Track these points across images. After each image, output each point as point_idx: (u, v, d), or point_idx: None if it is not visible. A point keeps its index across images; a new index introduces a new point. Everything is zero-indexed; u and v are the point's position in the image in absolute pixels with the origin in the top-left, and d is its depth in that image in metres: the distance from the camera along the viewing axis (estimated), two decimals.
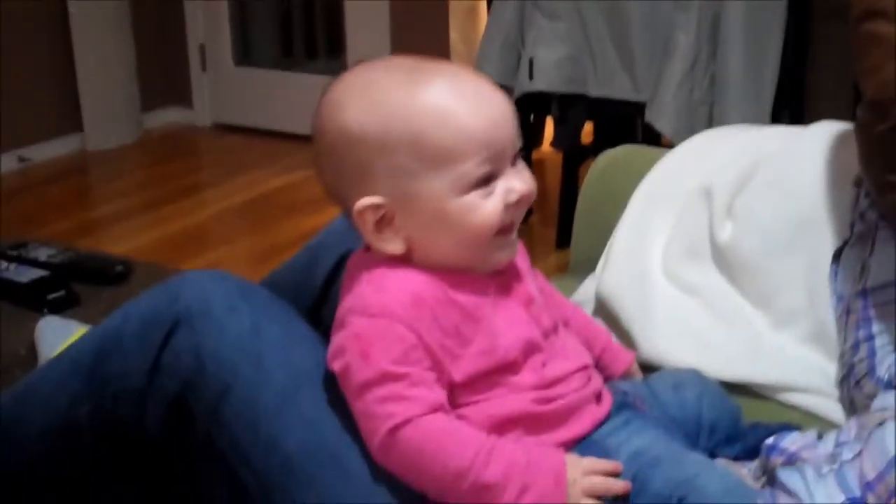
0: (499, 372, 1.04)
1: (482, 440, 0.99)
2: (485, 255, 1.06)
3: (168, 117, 5.06)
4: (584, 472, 0.99)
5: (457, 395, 1.03)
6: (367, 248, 1.09)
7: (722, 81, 2.99)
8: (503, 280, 1.09)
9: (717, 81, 3.00)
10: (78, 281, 1.90)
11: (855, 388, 1.25)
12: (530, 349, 1.06)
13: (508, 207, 1.04)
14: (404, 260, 1.05)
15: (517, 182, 1.04)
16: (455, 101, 1.02)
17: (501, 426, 1.03)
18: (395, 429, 0.98)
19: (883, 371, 1.20)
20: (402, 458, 0.99)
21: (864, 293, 1.25)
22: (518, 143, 1.06)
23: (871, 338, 1.23)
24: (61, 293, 1.83)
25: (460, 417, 1.02)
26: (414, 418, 0.98)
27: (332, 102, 1.06)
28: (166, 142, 4.85)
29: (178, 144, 4.83)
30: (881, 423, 1.03)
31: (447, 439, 0.98)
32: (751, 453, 1.15)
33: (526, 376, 1.05)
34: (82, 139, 4.60)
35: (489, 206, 1.02)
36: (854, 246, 1.30)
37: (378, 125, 1.02)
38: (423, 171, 1.02)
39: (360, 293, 1.04)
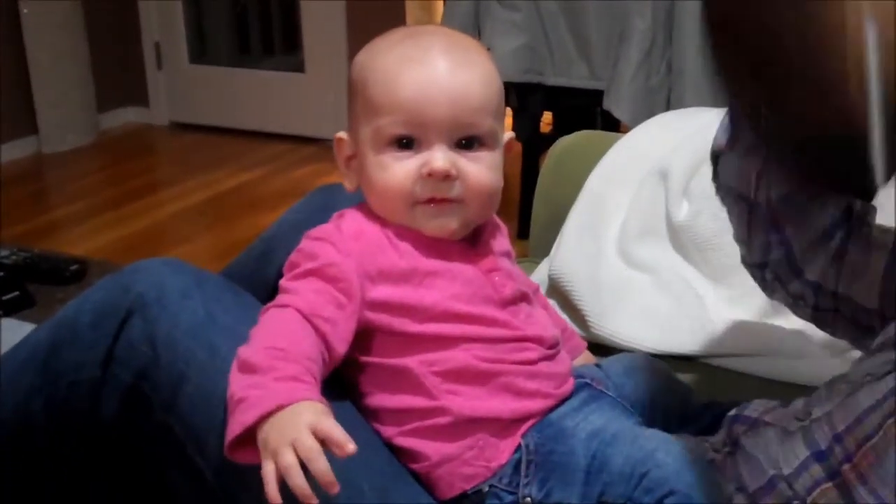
0: (424, 315, 1.06)
1: (277, 351, 0.96)
2: (408, 219, 1.09)
3: (124, 117, 5.03)
4: (310, 426, 0.89)
5: (409, 347, 1.05)
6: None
7: (678, 67, 3.00)
8: (475, 244, 1.13)
9: (673, 67, 3.01)
10: (33, 281, 1.88)
11: (774, 280, 1.24)
12: (467, 305, 1.07)
13: (423, 178, 1.07)
14: (374, 213, 1.12)
15: (435, 158, 1.07)
16: (399, 65, 1.08)
17: (451, 380, 1.05)
18: (272, 307, 1.02)
19: (814, 274, 1.19)
20: (256, 326, 1.01)
21: (767, 203, 1.22)
22: (476, 131, 1.09)
23: (787, 242, 1.21)
24: (16, 294, 1.82)
25: (407, 370, 1.05)
26: (287, 306, 1.01)
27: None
28: (123, 142, 4.82)
29: (135, 144, 4.80)
30: (856, 390, 1.03)
31: (273, 332, 0.99)
32: (708, 432, 1.16)
33: (468, 328, 1.06)
34: (38, 142, 4.55)
35: (398, 169, 1.08)
36: (742, 153, 1.25)
37: (355, 72, 1.12)
38: (362, 118, 1.10)
39: (322, 226, 1.12)
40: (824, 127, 0.90)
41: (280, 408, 0.90)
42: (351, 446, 0.88)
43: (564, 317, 1.46)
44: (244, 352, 0.97)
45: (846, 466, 0.97)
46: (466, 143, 1.09)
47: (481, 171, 1.09)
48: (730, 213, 1.25)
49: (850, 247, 1.18)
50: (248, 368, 0.95)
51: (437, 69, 1.07)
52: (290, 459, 0.87)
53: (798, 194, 1.18)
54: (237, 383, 0.95)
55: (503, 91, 1.14)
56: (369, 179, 1.10)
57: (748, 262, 1.27)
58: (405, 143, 1.08)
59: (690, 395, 1.22)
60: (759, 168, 1.18)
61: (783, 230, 1.20)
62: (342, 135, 1.15)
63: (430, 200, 1.08)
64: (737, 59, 0.95)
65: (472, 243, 1.13)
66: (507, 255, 1.18)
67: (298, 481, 0.87)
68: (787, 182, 1.17)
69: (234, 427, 0.92)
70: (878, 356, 1.08)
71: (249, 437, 0.91)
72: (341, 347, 1.02)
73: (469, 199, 1.09)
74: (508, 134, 1.17)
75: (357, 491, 0.99)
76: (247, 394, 0.93)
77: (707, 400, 1.21)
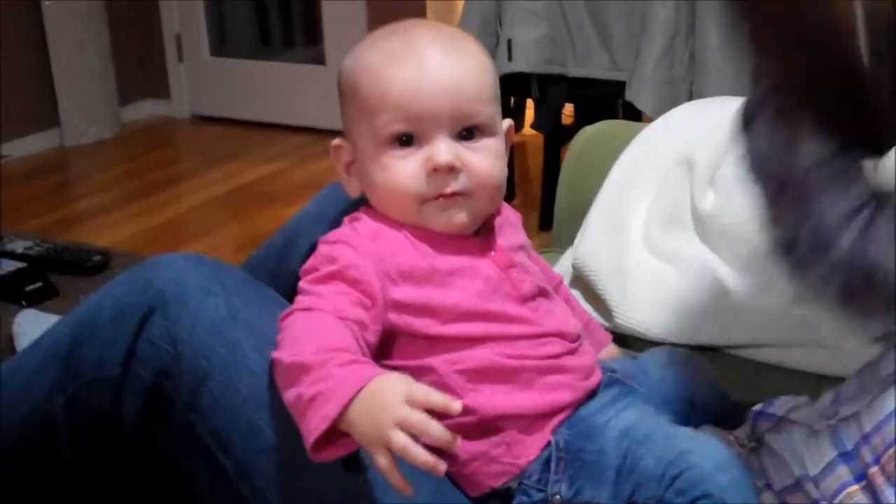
0: (447, 316, 1.04)
1: (322, 347, 0.93)
2: (418, 218, 1.07)
3: (146, 110, 5.03)
4: (405, 399, 0.86)
5: (431, 347, 1.04)
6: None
7: (701, 57, 2.97)
8: (489, 240, 1.11)
9: (696, 58, 2.99)
10: (55, 272, 1.87)
11: (800, 263, 1.22)
12: (489, 303, 1.06)
13: (430, 174, 1.05)
14: (386, 214, 1.10)
15: (442, 153, 1.05)
16: (388, 61, 1.06)
17: (475, 379, 1.03)
18: (297, 311, 0.99)
19: (844, 250, 1.18)
20: (281, 336, 0.98)
21: (798, 174, 1.21)
22: (475, 121, 1.07)
23: (818, 214, 1.19)
24: (39, 285, 1.81)
25: (430, 369, 1.03)
26: (314, 310, 0.99)
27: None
28: (144, 134, 4.82)
29: (156, 137, 4.81)
30: (885, 390, 1.01)
31: (313, 333, 0.96)
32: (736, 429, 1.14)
33: (490, 327, 1.05)
34: (59, 135, 4.56)
35: (400, 168, 1.06)
36: (771, 126, 1.25)
37: (344, 76, 1.11)
38: (357, 120, 1.09)
39: (336, 230, 1.10)
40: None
41: (358, 392, 0.88)
42: (457, 404, 0.86)
43: (589, 308, 1.45)
44: (287, 356, 0.94)
45: (874, 469, 0.96)
46: (467, 133, 1.07)
47: (486, 160, 1.07)
48: (757, 191, 1.23)
49: (878, 218, 1.16)
50: (300, 370, 0.92)
51: (428, 61, 1.06)
52: (402, 439, 0.85)
53: (827, 163, 1.17)
54: (295, 387, 0.91)
55: (497, 77, 1.12)
56: (372, 182, 1.09)
57: (775, 247, 1.25)
58: (405, 141, 1.06)
59: (728, 395, 1.21)
60: (789, 134, 1.17)
61: (812, 202, 1.18)
62: (339, 142, 1.13)
63: (438, 196, 1.06)
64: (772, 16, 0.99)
65: (485, 239, 1.12)
66: (522, 247, 1.16)
67: (423, 457, 0.84)
68: (817, 146, 1.16)
69: (318, 423, 0.88)
70: None
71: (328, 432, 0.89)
72: (369, 351, 1.00)
73: (476, 191, 1.07)
74: (507, 121, 1.14)
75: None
76: (315, 390, 0.89)
77: (744, 400, 1.19)
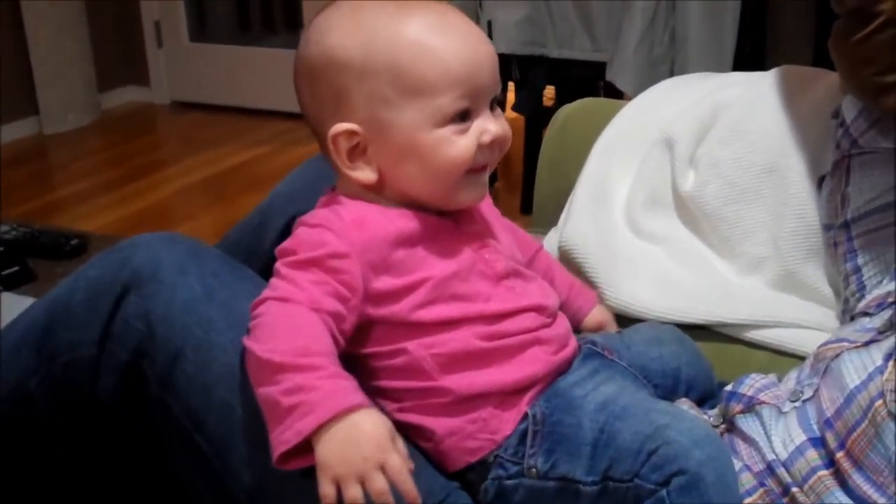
0: (425, 298, 1.03)
1: (300, 348, 0.93)
2: (453, 192, 1.06)
3: (125, 96, 5.00)
4: (377, 463, 0.88)
5: (409, 332, 1.03)
6: (333, 188, 1.11)
7: (682, 37, 2.97)
8: (460, 222, 1.10)
9: (676, 37, 2.98)
10: (33, 256, 1.86)
11: (852, 322, 1.24)
12: (465, 284, 1.06)
13: (482, 147, 1.05)
14: (363, 196, 1.07)
15: (492, 124, 1.05)
16: (437, 36, 1.03)
17: (449, 365, 1.03)
18: (271, 299, 0.97)
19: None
20: (255, 323, 0.97)
21: (846, 225, 1.23)
22: (498, 90, 1.08)
23: (858, 270, 1.22)
24: (16, 269, 1.80)
25: (403, 351, 1.02)
26: (289, 300, 0.97)
27: (318, 27, 1.08)
28: (124, 121, 4.79)
29: (136, 123, 4.78)
30: (837, 355, 1.01)
31: (289, 329, 0.95)
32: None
33: (467, 307, 1.04)
34: (38, 122, 4.53)
35: (462, 142, 1.04)
36: (833, 177, 1.28)
37: (362, 51, 1.03)
38: (401, 100, 1.03)
39: (315, 211, 1.07)
40: None
41: (337, 416, 0.89)
42: (419, 502, 0.89)
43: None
44: (261, 350, 0.93)
45: (840, 454, 0.95)
46: (491, 104, 1.08)
47: (508, 130, 1.08)
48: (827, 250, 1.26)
49: None
50: (275, 369, 0.92)
51: (469, 33, 1.06)
52: (357, 496, 0.87)
53: (877, 212, 1.19)
54: (269, 385, 0.91)
55: None
56: (425, 158, 1.04)
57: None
58: (463, 116, 1.04)
59: (713, 373, 1.21)
60: (843, 188, 1.20)
61: (857, 255, 1.21)
62: (350, 126, 1.04)
63: (478, 168, 1.06)
64: None
65: (456, 221, 1.10)
66: (496, 218, 1.16)
67: None
68: (867, 196, 1.18)
69: (290, 436, 0.89)
70: (859, 321, 1.07)
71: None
72: (341, 343, 0.99)
73: (493, 162, 1.08)
74: None
75: None
76: (296, 400, 0.89)
77: (729, 381, 1.19)
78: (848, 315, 1.24)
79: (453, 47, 1.03)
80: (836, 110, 1.31)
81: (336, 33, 1.05)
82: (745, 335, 1.34)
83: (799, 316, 1.34)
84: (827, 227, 1.30)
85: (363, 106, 1.04)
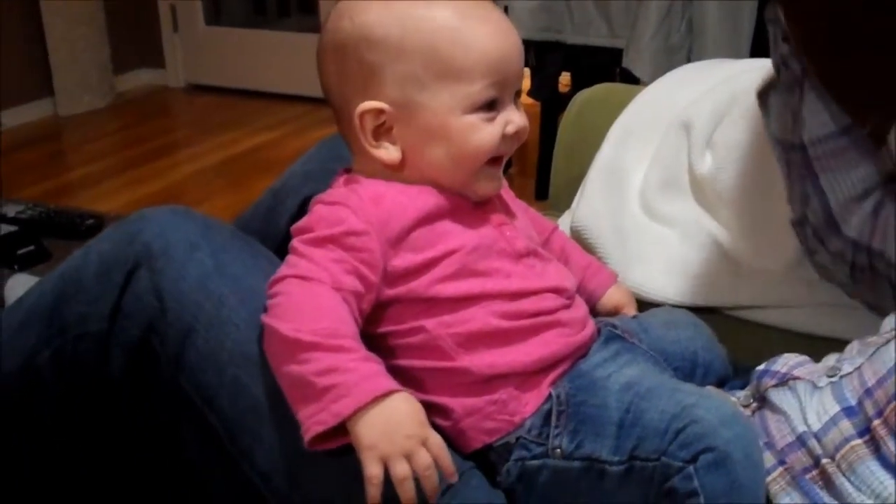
0: (444, 273, 1.03)
1: (326, 329, 0.94)
2: (473, 180, 1.07)
3: (141, 79, 5.01)
4: (420, 439, 0.91)
5: (428, 309, 1.03)
6: (348, 170, 1.11)
7: (699, 25, 2.96)
8: (474, 203, 1.10)
9: (693, 25, 2.97)
10: (48, 236, 1.87)
11: (814, 237, 1.23)
12: (485, 259, 1.05)
13: (505, 137, 1.06)
14: (381, 175, 1.07)
15: (516, 116, 1.07)
16: (475, 24, 1.04)
17: (469, 343, 1.02)
18: (291, 277, 0.97)
19: (851, 230, 1.17)
20: (275, 301, 0.97)
21: (802, 147, 1.21)
22: (521, 82, 1.09)
23: (822, 193, 1.20)
24: (31, 248, 1.81)
25: (421, 329, 1.02)
26: (310, 279, 0.97)
27: (352, 4, 1.07)
28: (139, 104, 4.80)
29: (151, 106, 4.79)
30: (887, 343, 1.01)
31: (314, 309, 0.96)
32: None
33: (487, 284, 1.04)
34: (53, 104, 4.53)
35: (489, 130, 1.05)
36: (782, 93, 1.25)
37: (399, 30, 1.03)
38: (433, 83, 1.03)
39: (331, 189, 1.07)
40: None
41: (376, 400, 0.90)
42: (455, 478, 0.93)
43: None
44: (287, 329, 0.93)
45: (877, 422, 0.95)
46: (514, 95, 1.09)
47: (527, 122, 1.09)
48: (778, 162, 1.24)
49: (886, 203, 1.16)
50: (304, 348, 0.92)
51: (505, 25, 1.07)
52: (406, 471, 0.89)
53: (833, 138, 1.16)
54: (298, 364, 0.92)
55: None
56: (451, 142, 1.05)
57: (792, 220, 1.25)
58: (491, 105, 1.05)
59: (728, 357, 1.20)
60: (796, 108, 1.16)
61: (818, 179, 1.18)
62: (375, 104, 1.04)
63: (497, 159, 1.08)
64: None
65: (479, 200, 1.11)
66: (512, 200, 1.17)
67: (412, 495, 0.89)
68: (823, 121, 1.16)
69: (327, 417, 0.90)
70: None
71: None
72: (360, 322, 0.99)
73: (509, 153, 1.10)
74: None
75: None
76: (330, 381, 0.90)
77: (746, 364, 1.18)
78: (809, 228, 1.22)
79: (490, 36, 1.04)
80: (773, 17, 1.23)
81: (373, 11, 1.05)
82: (761, 317, 1.34)
83: (813, 296, 1.33)
84: (777, 142, 1.27)
85: (395, 85, 1.04)
